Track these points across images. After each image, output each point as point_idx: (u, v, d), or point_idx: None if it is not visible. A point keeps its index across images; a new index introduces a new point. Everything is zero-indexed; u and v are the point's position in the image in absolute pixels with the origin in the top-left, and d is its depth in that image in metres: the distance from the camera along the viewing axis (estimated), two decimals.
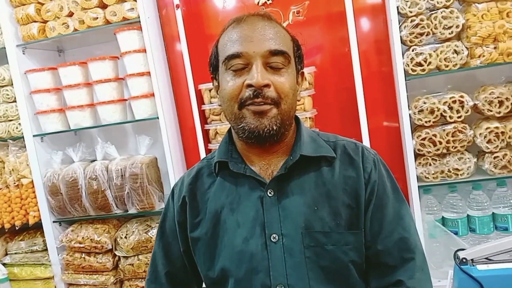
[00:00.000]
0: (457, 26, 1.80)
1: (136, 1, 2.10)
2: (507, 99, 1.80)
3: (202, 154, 2.14)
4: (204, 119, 2.19)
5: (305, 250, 0.89)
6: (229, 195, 0.96)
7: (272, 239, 0.90)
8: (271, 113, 0.87)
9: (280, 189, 0.93)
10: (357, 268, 0.91)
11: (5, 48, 2.27)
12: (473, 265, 1.39)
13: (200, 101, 2.15)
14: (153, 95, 2.16)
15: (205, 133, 2.18)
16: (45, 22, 2.26)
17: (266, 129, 0.87)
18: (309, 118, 1.98)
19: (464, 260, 1.39)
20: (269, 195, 0.92)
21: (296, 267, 0.88)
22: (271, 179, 0.93)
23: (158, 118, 2.15)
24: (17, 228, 2.39)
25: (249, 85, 0.86)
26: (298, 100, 0.98)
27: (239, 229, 0.93)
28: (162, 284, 1.06)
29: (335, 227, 0.90)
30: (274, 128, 0.88)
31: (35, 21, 2.25)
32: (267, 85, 0.86)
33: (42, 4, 2.24)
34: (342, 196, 0.91)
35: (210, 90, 2.10)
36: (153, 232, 2.20)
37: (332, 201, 0.91)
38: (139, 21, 2.10)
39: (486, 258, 1.40)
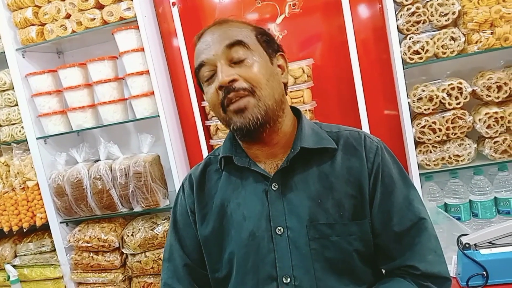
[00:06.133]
0: (453, 13, 1.80)
1: (132, 0, 2.10)
2: (505, 84, 1.80)
3: (204, 150, 2.16)
4: (204, 116, 2.21)
5: (310, 242, 0.90)
6: (234, 189, 0.98)
7: (277, 232, 0.91)
8: (250, 105, 0.88)
9: (284, 182, 0.94)
10: (361, 256, 0.92)
11: (4, 52, 2.28)
12: (477, 250, 1.40)
13: (200, 98, 2.17)
14: (153, 93, 2.17)
15: (206, 129, 2.20)
16: (43, 25, 2.27)
17: (251, 122, 0.88)
18: (309, 110, 1.99)
19: (467, 245, 1.40)
20: (273, 188, 0.93)
21: (302, 259, 0.90)
22: (274, 173, 0.94)
23: (159, 116, 2.17)
24: (25, 230, 2.42)
25: (220, 87, 0.89)
26: (286, 83, 0.99)
27: (245, 222, 0.94)
28: (181, 277, 1.04)
29: (339, 218, 0.91)
30: (259, 117, 0.88)
31: (33, 24, 2.25)
32: (234, 80, 0.88)
33: (40, 7, 2.25)
34: (345, 187, 0.92)
35: None
36: (159, 229, 2.22)
37: (336, 193, 0.92)
38: (136, 20, 2.10)
39: (489, 243, 1.41)
